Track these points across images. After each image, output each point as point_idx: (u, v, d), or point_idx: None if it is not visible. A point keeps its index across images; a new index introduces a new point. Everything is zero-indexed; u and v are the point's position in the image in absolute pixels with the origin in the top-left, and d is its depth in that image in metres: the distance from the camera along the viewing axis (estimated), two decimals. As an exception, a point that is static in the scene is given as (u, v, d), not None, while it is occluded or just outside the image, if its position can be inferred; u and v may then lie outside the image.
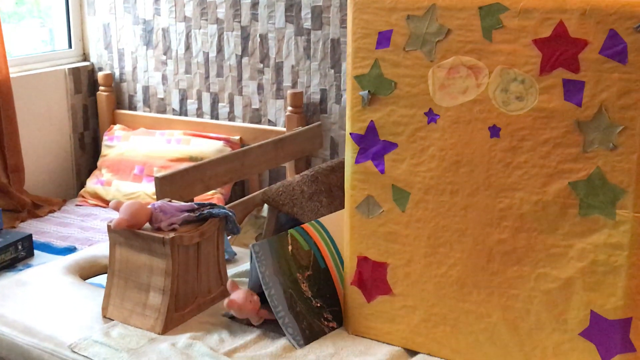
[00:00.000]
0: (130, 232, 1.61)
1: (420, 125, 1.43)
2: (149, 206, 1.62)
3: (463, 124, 1.39)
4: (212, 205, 1.69)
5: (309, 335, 1.54)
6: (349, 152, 1.51)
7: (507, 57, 1.33)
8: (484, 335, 1.43)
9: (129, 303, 1.64)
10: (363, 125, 1.48)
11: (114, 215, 1.61)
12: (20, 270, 2.87)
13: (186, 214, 1.63)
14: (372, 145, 1.48)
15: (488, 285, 1.41)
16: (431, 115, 1.41)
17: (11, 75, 3.54)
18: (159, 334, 1.58)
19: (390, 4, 1.41)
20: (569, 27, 1.27)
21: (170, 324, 1.60)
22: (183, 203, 1.69)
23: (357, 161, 1.50)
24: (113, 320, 1.64)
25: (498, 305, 1.41)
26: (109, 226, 1.63)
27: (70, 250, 3.09)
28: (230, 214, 1.69)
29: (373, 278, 1.52)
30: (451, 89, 1.39)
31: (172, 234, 1.57)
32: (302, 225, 1.65)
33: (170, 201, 1.69)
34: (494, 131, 1.36)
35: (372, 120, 1.47)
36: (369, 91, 1.46)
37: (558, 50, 1.29)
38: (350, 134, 1.50)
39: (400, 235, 1.48)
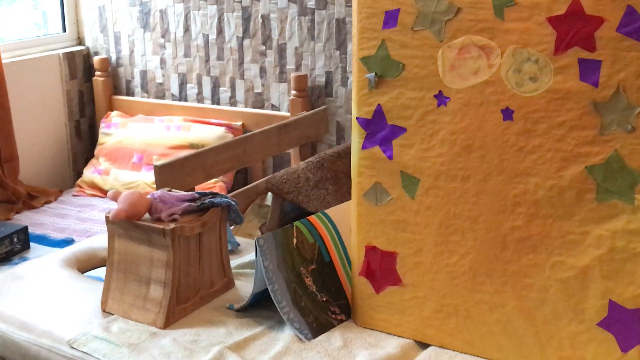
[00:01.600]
0: (129, 223, 1.61)
1: (429, 108, 1.42)
2: (148, 196, 1.62)
3: (474, 106, 1.38)
4: (214, 195, 1.69)
5: (317, 328, 1.54)
6: (356, 137, 1.50)
7: (520, 36, 1.32)
8: (498, 326, 1.43)
9: (129, 296, 1.64)
10: (370, 109, 1.47)
11: (112, 206, 1.61)
12: (16, 263, 2.88)
13: (187, 203, 1.63)
14: (379, 130, 1.47)
15: (502, 274, 1.41)
16: (441, 98, 1.41)
17: (3, 61, 3.54)
18: (160, 328, 1.58)
19: (398, -18, 1.41)
20: (584, 3, 1.26)
21: (172, 318, 1.60)
22: (184, 192, 1.69)
23: (364, 147, 1.49)
24: (113, 314, 1.64)
25: (512, 295, 1.40)
26: (107, 217, 1.63)
27: (68, 242, 3.10)
28: (232, 203, 1.70)
29: (382, 268, 1.52)
30: (462, 70, 1.38)
31: (172, 225, 1.57)
32: (308, 217, 1.65)
33: (170, 190, 1.69)
34: (507, 114, 1.35)
35: (379, 104, 1.46)
36: (375, 73, 1.45)
37: (573, 28, 1.28)
38: (356, 118, 1.49)
39: (409, 223, 1.47)
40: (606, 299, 1.32)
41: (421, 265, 1.48)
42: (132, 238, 1.63)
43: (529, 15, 1.31)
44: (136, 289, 1.63)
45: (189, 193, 1.67)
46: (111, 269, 1.66)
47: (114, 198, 1.62)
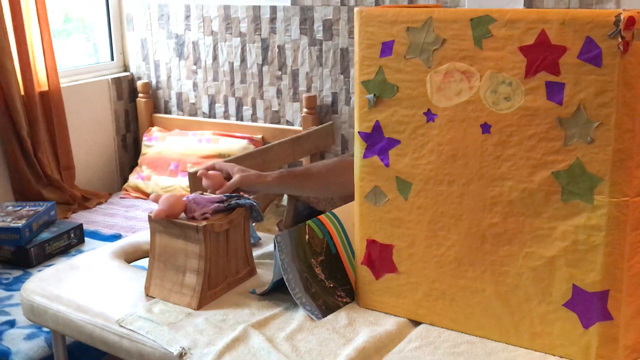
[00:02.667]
0: (168, 222, 1.61)
1: (420, 123, 1.42)
2: (184, 198, 1.62)
3: (458, 121, 1.38)
4: (239, 197, 1.69)
5: (325, 310, 1.54)
6: (358, 148, 1.50)
7: (496, 63, 1.32)
8: (479, 307, 1.42)
9: (168, 283, 1.64)
10: (370, 125, 1.47)
11: (154, 207, 1.61)
12: (73, 255, 2.92)
13: (216, 204, 1.63)
14: (378, 142, 1.47)
15: (482, 263, 1.40)
16: (429, 115, 1.40)
17: (61, 85, 3.57)
18: (194, 309, 1.58)
19: (392, 18, 1.40)
20: (550, 35, 1.26)
21: (204, 301, 1.60)
22: (214, 195, 1.69)
23: (364, 156, 1.49)
24: (154, 298, 1.65)
25: (491, 281, 1.40)
26: (149, 216, 1.63)
27: (116, 237, 3.13)
28: (254, 204, 1.70)
29: (381, 258, 1.52)
30: (447, 91, 1.38)
31: (204, 223, 1.57)
32: (318, 217, 1.65)
33: (202, 193, 1.69)
34: (485, 128, 1.35)
35: (377, 120, 1.46)
36: (374, 94, 1.45)
37: (541, 55, 1.27)
38: (358, 132, 1.49)
39: (404, 220, 1.47)
40: (570, 284, 1.32)
41: (414, 255, 1.48)
42: (170, 234, 1.63)
43: (503, 45, 1.31)
44: (174, 276, 1.63)
45: (218, 196, 1.67)
46: (153, 260, 1.66)
47: (155, 200, 1.62)
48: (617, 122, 1.22)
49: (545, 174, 1.31)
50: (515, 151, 1.33)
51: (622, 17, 1.18)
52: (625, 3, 2.83)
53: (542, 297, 1.35)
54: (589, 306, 1.31)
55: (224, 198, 1.66)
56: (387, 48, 1.42)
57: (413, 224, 1.46)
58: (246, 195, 1.73)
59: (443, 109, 1.39)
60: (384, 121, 1.45)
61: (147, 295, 1.67)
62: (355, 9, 1.45)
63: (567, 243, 1.31)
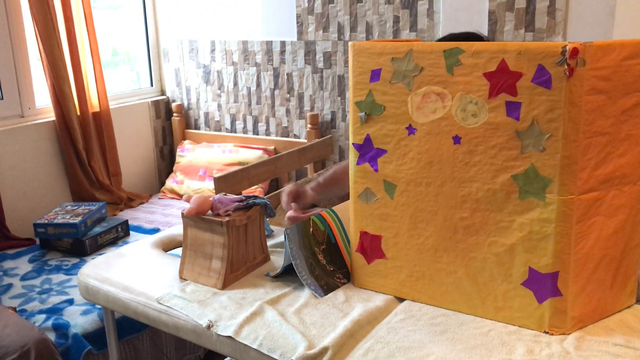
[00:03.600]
0: (198, 218, 1.61)
1: (403, 136, 1.41)
2: (211, 198, 1.62)
3: (434, 134, 1.37)
4: (255, 197, 1.69)
5: (327, 289, 1.54)
6: (352, 157, 1.50)
7: (465, 86, 1.32)
8: (452, 286, 1.42)
9: (198, 267, 1.64)
10: (362, 137, 1.47)
11: (186, 205, 1.61)
12: (120, 245, 2.93)
13: (237, 203, 1.63)
14: (368, 151, 1.46)
15: (454, 250, 1.40)
16: (410, 129, 1.40)
17: (110, 107, 3.57)
18: (219, 289, 1.58)
19: (380, 50, 1.40)
20: (509, 63, 1.26)
21: (227, 282, 1.60)
22: (235, 196, 1.68)
23: (357, 163, 1.49)
24: (187, 280, 1.64)
25: (462, 264, 1.40)
26: (182, 213, 1.63)
27: (155, 230, 3.13)
28: (268, 203, 1.69)
29: (371, 247, 1.51)
30: (425, 109, 1.37)
31: (227, 218, 1.57)
32: (321, 213, 1.65)
33: (225, 194, 1.69)
34: (456, 139, 1.35)
35: (368, 134, 1.46)
36: (365, 113, 1.45)
37: (501, 80, 1.27)
38: (352, 144, 1.49)
39: (390, 215, 1.47)
40: (527, 267, 1.31)
41: (398, 244, 1.47)
42: (199, 227, 1.62)
43: (470, 72, 1.30)
44: (202, 262, 1.63)
45: (238, 196, 1.67)
46: (185, 249, 1.66)
47: (187, 200, 1.62)
48: (564, 133, 1.22)
49: (505, 176, 1.30)
50: (481, 158, 1.32)
51: (567, 48, 1.18)
52: (571, 37, 2.83)
53: (504, 278, 1.35)
54: (543, 285, 1.30)
55: (243, 198, 1.66)
56: (375, 74, 1.41)
57: (398, 218, 1.46)
58: (261, 196, 1.72)
59: (422, 124, 1.38)
60: (374, 134, 1.45)
61: (180, 277, 1.66)
62: (350, 43, 1.45)
63: (524, 233, 1.31)
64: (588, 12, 2.79)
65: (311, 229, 1.60)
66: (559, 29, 2.82)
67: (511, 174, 1.30)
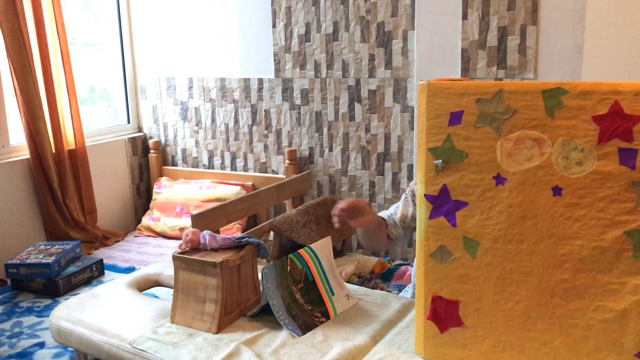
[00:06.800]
0: (190, 259, 1.39)
1: (489, 187, 1.07)
2: (201, 234, 1.43)
3: (528, 185, 1.04)
4: (249, 236, 1.48)
5: (304, 328, 1.33)
6: (422, 209, 1.13)
7: (568, 131, 0.99)
8: (547, 357, 1.08)
9: (191, 312, 1.40)
10: (437, 188, 1.11)
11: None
12: (95, 285, 2.63)
13: (230, 241, 1.44)
14: (444, 204, 1.11)
15: (551, 316, 1.06)
16: (499, 179, 1.06)
17: (86, 144, 3.12)
18: (214, 333, 1.35)
19: (461, 90, 1.05)
20: (623, 105, 0.95)
21: (222, 326, 1.37)
22: (226, 236, 1.47)
23: (430, 217, 1.12)
24: (175, 324, 1.42)
25: (560, 332, 1.06)
26: (174, 256, 1.41)
27: (131, 269, 2.80)
28: (261, 243, 1.47)
29: (447, 313, 1.14)
30: (517, 157, 1.04)
31: (220, 259, 1.36)
32: (298, 251, 1.46)
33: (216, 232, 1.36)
34: (557, 191, 1.02)
35: (444, 184, 1.10)
36: (442, 160, 1.10)
37: (614, 124, 0.96)
38: (424, 195, 1.13)
39: (471, 277, 1.11)
40: (644, 336, 0.99)
41: (481, 310, 1.12)
42: (192, 270, 1.39)
43: (575, 115, 0.98)
44: (195, 306, 1.39)
45: (232, 236, 1.46)
46: (177, 292, 1.42)
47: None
48: None
49: (617, 233, 0.99)
50: (587, 212, 1.00)
51: None
52: (541, 74, 2.61)
53: (613, 348, 1.03)
54: (665, 357, 0.98)
55: (236, 238, 1.45)
56: (456, 117, 1.07)
57: (480, 280, 1.10)
58: (254, 237, 1.43)
59: (513, 173, 1.05)
60: (452, 185, 1.10)
61: (172, 323, 1.43)
62: (420, 83, 1.09)
63: (638, 297, 0.99)
64: (557, 50, 2.59)
65: (289, 268, 1.41)
66: (530, 66, 2.60)
67: (624, 229, 0.98)
